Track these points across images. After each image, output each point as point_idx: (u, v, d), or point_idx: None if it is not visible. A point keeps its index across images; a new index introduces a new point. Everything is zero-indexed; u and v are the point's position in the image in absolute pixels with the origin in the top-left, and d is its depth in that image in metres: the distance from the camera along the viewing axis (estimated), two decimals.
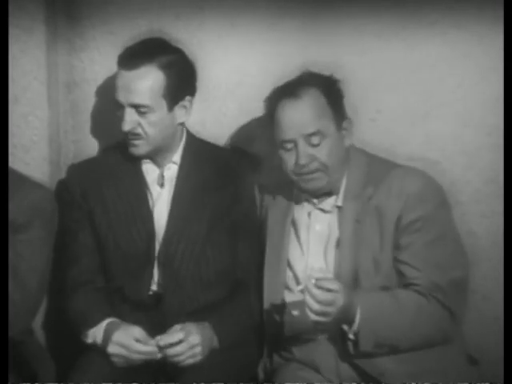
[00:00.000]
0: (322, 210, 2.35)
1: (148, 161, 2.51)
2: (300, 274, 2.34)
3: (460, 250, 2.29)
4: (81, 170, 2.57)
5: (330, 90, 2.29)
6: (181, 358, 2.27)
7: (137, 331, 2.31)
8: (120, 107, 2.41)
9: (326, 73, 2.35)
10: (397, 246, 2.22)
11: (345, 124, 2.31)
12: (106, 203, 2.49)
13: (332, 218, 2.33)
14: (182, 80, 2.43)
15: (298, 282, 2.31)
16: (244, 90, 2.69)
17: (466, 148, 2.55)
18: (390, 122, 2.59)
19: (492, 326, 2.51)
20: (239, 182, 2.51)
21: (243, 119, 2.70)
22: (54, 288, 2.52)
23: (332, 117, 2.26)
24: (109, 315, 2.39)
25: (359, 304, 2.13)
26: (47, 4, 2.72)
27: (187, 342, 2.27)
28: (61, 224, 2.44)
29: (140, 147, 2.44)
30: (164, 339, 2.27)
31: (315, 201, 2.36)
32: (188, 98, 2.46)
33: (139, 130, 2.41)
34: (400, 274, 2.23)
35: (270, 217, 2.45)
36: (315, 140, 2.23)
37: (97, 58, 2.78)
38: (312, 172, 2.26)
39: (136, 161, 2.51)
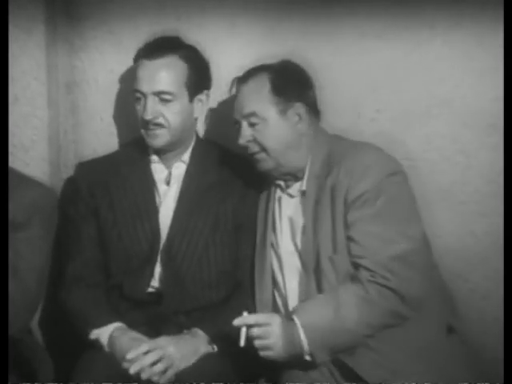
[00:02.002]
0: (290, 196, 2.39)
1: (157, 160, 2.54)
2: (274, 263, 2.40)
3: (409, 221, 2.24)
4: (89, 168, 2.59)
5: (276, 75, 2.34)
6: (156, 368, 2.24)
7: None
8: (140, 98, 2.44)
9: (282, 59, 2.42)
10: (346, 224, 2.23)
11: (294, 110, 2.33)
12: (112, 200, 2.51)
13: (297, 203, 2.37)
14: (201, 73, 2.51)
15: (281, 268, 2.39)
16: None
17: (465, 148, 2.54)
18: (390, 122, 2.58)
19: (492, 325, 2.50)
20: (244, 186, 2.53)
21: None
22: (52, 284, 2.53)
23: (274, 102, 2.31)
24: (116, 319, 2.40)
25: (302, 329, 2.14)
26: (47, 4, 2.73)
27: (155, 352, 2.25)
28: (65, 220, 2.46)
29: (160, 137, 2.46)
30: (131, 353, 2.25)
31: (282, 185, 2.40)
32: (205, 91, 2.52)
33: (161, 120, 2.44)
34: (349, 251, 2.23)
35: (259, 208, 2.50)
36: (253, 120, 2.32)
37: (97, 57, 2.79)
38: (254, 153, 2.35)
39: (145, 160, 2.54)
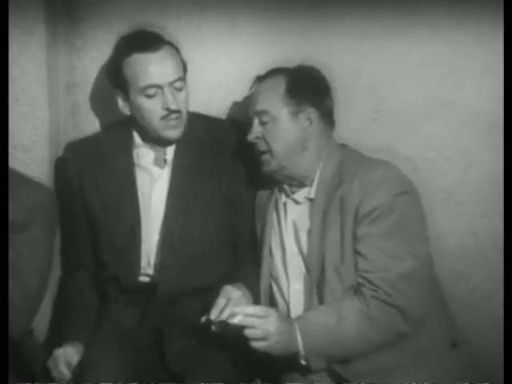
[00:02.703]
0: (295, 201, 2.39)
1: (142, 144, 2.53)
2: (278, 264, 2.41)
3: (418, 240, 2.25)
4: (77, 151, 2.60)
5: (293, 78, 2.35)
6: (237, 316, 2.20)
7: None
8: (153, 93, 2.42)
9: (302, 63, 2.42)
10: (355, 237, 2.24)
11: (305, 114, 2.33)
12: (99, 185, 2.53)
13: (303, 209, 2.37)
14: (183, 61, 2.52)
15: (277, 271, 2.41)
16: (245, 90, 2.68)
17: (466, 148, 2.54)
18: (391, 122, 2.58)
19: (492, 326, 2.50)
20: (235, 153, 2.52)
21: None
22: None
23: (286, 103, 2.32)
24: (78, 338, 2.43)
25: (299, 331, 2.16)
26: (47, 4, 2.73)
27: (233, 300, 2.25)
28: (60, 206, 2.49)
29: (179, 126, 2.47)
30: (213, 312, 2.23)
31: (287, 190, 2.40)
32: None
33: (179, 107, 2.44)
34: (356, 265, 2.24)
35: (256, 209, 2.52)
36: (264, 118, 2.34)
37: (97, 58, 2.77)
38: (261, 153, 2.36)
39: (128, 145, 2.54)
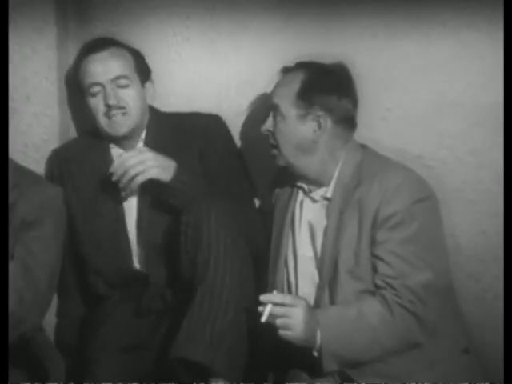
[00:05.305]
0: (313, 200, 2.38)
1: (113, 146, 2.57)
2: (290, 266, 2.40)
3: (436, 250, 2.25)
4: (58, 154, 2.65)
5: (309, 79, 2.33)
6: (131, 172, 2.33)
7: None
8: (97, 91, 2.48)
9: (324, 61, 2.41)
10: (373, 241, 2.22)
11: (314, 117, 2.32)
12: (75, 184, 2.56)
13: (320, 208, 2.36)
14: (143, 61, 2.58)
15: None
16: (255, 90, 2.70)
17: (477, 147, 2.53)
18: (401, 121, 2.57)
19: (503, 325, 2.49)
20: (205, 138, 2.55)
21: (254, 118, 2.71)
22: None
23: (297, 104, 2.32)
24: None
25: (319, 326, 2.15)
26: (58, 5, 2.75)
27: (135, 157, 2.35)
28: None
29: (124, 123, 2.49)
30: None
31: (305, 188, 2.40)
32: (149, 83, 2.58)
33: (123, 103, 2.48)
34: (374, 269, 2.22)
35: (276, 207, 2.50)
36: (276, 112, 2.35)
37: None
38: (271, 147, 2.38)
39: (104, 145, 2.58)
